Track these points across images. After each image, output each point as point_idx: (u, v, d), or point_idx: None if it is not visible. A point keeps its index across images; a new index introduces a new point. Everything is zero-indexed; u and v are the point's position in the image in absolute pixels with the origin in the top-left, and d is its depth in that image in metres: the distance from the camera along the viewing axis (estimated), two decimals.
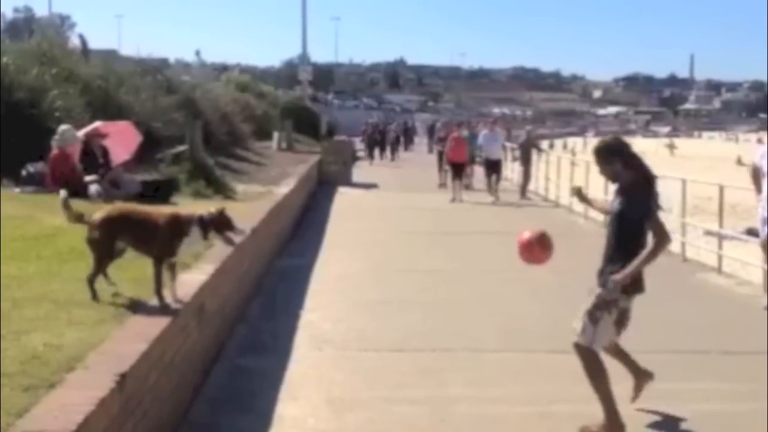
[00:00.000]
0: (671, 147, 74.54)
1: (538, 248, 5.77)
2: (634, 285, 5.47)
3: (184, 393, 5.46)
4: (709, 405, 5.89)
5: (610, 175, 5.55)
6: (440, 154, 24.29)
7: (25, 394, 3.69)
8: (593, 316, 5.47)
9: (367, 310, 8.65)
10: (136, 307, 5.34)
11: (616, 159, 5.43)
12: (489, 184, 21.11)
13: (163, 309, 5.36)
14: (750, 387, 6.29)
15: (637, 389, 5.83)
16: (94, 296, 5.40)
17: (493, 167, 21.20)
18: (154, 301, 5.46)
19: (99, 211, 5.72)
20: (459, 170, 21.05)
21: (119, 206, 6.30)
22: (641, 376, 5.85)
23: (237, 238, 5.87)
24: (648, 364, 6.90)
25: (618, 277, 5.34)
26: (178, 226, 5.56)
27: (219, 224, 5.58)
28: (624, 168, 5.40)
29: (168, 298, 5.47)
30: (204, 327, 6.17)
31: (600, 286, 5.49)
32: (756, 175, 9.26)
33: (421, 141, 51.95)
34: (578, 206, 18.99)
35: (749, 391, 6.19)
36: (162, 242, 5.51)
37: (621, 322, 5.61)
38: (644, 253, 5.33)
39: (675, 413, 5.71)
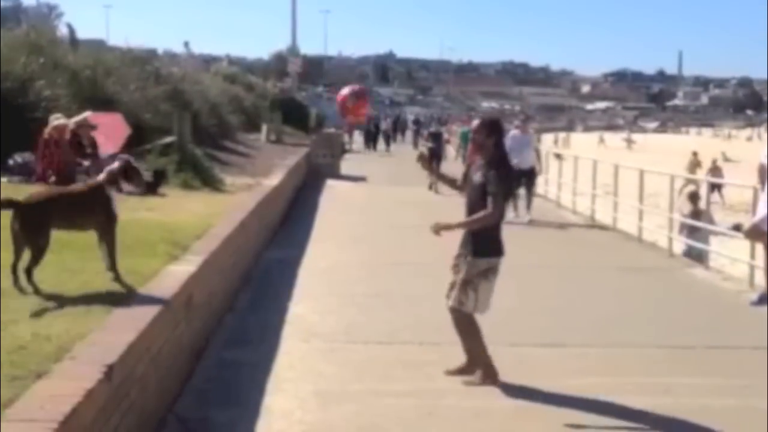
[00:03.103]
0: (629, 142, 75.20)
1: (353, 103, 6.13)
2: (491, 249, 6.06)
3: (171, 384, 5.45)
4: (694, 400, 5.91)
5: (480, 147, 6.21)
6: (431, 152, 21.20)
7: (12, 384, 3.68)
8: (472, 284, 6.01)
9: (355, 303, 8.65)
10: (123, 298, 5.33)
11: (495, 135, 6.14)
12: (516, 201, 16.07)
13: (125, 288, 5.45)
14: (736, 382, 6.33)
15: (460, 372, 6.22)
16: (36, 290, 5.32)
17: (524, 179, 16.24)
18: (146, 287, 5.50)
19: (23, 195, 5.68)
20: None
21: (40, 190, 6.23)
22: (470, 367, 6.21)
23: (143, 182, 6.12)
24: (635, 358, 6.96)
25: (440, 224, 6.08)
26: (101, 190, 5.67)
27: (126, 174, 5.79)
28: (494, 146, 6.12)
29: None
30: (192, 318, 6.17)
31: (467, 255, 6.06)
32: (763, 174, 9.34)
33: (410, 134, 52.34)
34: (566, 201, 19.05)
35: (735, 386, 6.22)
36: (102, 210, 5.61)
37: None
38: (475, 216, 5.97)
39: (661, 407, 5.72)
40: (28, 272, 5.37)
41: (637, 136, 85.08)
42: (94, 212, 5.64)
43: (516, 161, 15.63)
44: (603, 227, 15.90)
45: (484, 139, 6.16)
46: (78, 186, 5.98)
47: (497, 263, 6.09)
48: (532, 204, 16.37)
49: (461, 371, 6.26)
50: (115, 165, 5.79)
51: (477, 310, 6.09)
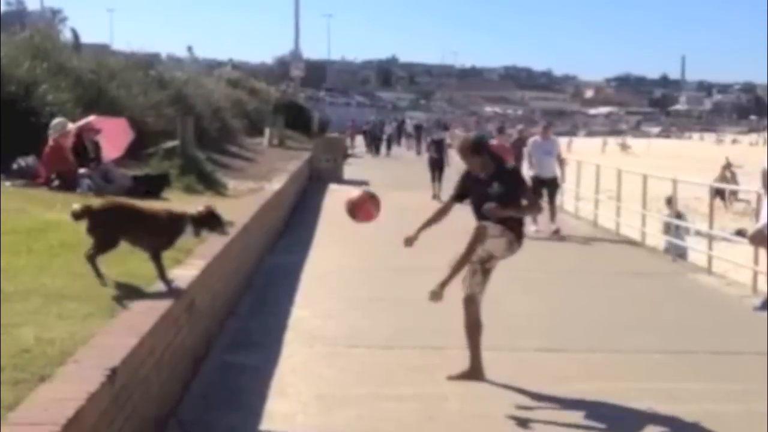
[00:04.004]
0: (623, 147, 75.30)
1: (370, 205, 6.44)
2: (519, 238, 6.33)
3: (173, 388, 5.46)
4: (697, 405, 5.91)
5: (479, 166, 6.32)
6: (434, 162, 21.13)
7: (16, 387, 3.68)
8: (486, 279, 6.28)
9: (357, 307, 8.66)
10: (126, 301, 5.34)
11: (484, 151, 6.35)
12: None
13: (172, 292, 5.67)
14: (739, 387, 6.32)
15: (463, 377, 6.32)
16: (99, 275, 5.63)
17: (546, 189, 15.19)
18: (148, 291, 5.59)
19: (99, 201, 6.11)
20: None
21: (118, 200, 6.65)
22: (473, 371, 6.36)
23: (227, 228, 6.32)
24: (638, 364, 6.96)
25: (492, 206, 6.11)
26: (176, 223, 5.94)
27: (209, 222, 6.01)
28: (490, 158, 6.36)
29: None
30: (194, 322, 6.17)
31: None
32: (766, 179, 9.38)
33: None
34: (569, 206, 19.03)
35: (738, 391, 6.22)
36: (162, 236, 5.86)
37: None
38: (521, 208, 6.33)
39: (663, 413, 5.72)
40: (90, 258, 5.66)
41: (639, 141, 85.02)
42: (157, 236, 5.89)
43: (536, 170, 15.24)
44: (606, 232, 15.89)
45: (475, 160, 6.34)
46: (158, 209, 6.32)
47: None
48: (556, 215, 15.12)
49: (465, 376, 6.28)
50: (201, 208, 6.08)
51: (477, 293, 6.28)
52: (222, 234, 6.30)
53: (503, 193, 6.19)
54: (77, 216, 5.82)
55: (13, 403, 3.51)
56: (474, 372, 6.31)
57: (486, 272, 6.28)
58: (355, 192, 6.49)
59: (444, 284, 6.18)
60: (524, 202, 6.41)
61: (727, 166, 31.72)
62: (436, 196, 19.94)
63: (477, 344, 6.31)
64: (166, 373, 5.19)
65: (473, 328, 6.30)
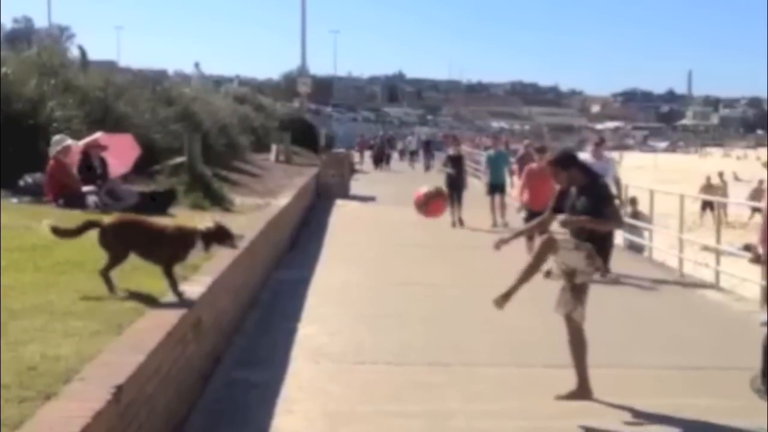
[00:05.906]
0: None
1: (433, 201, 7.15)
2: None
3: (180, 405, 5.45)
4: (705, 421, 5.88)
5: (568, 180, 6.41)
6: (452, 180, 18.39)
7: (22, 405, 3.68)
8: (579, 296, 6.17)
9: (364, 324, 8.64)
10: (132, 318, 5.33)
11: (572, 164, 6.41)
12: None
13: (183, 303, 5.85)
14: (746, 403, 6.29)
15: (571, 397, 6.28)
16: (111, 289, 5.85)
17: None
18: (156, 305, 5.65)
19: (110, 216, 6.38)
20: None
21: (129, 215, 7.08)
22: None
23: (237, 242, 6.44)
24: (646, 380, 6.94)
25: (571, 219, 6.23)
26: (187, 237, 6.11)
27: (219, 236, 6.16)
28: (579, 172, 6.39)
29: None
30: (201, 339, 6.17)
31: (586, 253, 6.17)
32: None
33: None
34: None
35: (746, 407, 6.19)
36: (174, 250, 6.03)
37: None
38: (599, 221, 6.21)
39: (672, 429, 5.70)
40: (103, 273, 5.89)
41: (646, 156, 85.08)
42: (169, 250, 6.06)
43: None
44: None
45: (566, 173, 6.40)
46: (169, 225, 6.58)
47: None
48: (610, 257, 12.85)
49: (573, 396, 6.23)
50: (210, 224, 6.24)
51: (584, 319, 6.23)
52: (231, 248, 6.44)
53: (588, 208, 6.20)
54: (58, 233, 6.04)
55: (19, 421, 3.51)
56: (582, 391, 6.22)
57: (577, 289, 6.16)
58: (422, 189, 6.95)
59: (508, 295, 6.22)
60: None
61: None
62: (455, 224, 17.25)
63: (582, 362, 6.24)
64: (172, 391, 5.18)
65: (576, 346, 6.25)
